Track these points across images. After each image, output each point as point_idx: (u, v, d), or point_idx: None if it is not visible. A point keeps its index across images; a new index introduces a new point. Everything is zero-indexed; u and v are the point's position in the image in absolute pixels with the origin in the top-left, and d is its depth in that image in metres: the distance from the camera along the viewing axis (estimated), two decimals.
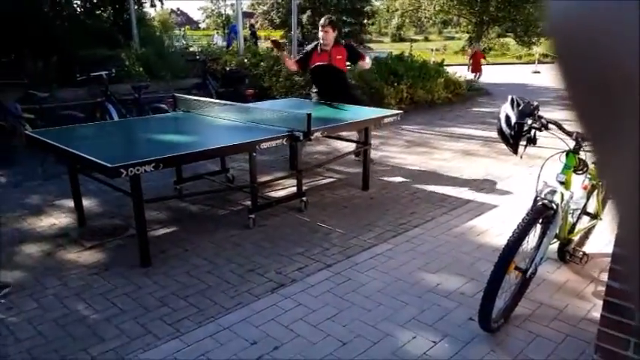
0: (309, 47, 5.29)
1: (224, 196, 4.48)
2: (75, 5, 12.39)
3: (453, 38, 37.36)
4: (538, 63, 19.29)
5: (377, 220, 3.93)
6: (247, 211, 3.83)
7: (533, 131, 2.56)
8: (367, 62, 5.30)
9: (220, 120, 4.35)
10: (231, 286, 2.92)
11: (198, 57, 8.60)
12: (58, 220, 3.99)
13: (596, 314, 2.11)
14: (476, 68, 12.89)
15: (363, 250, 3.37)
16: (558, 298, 2.75)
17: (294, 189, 4.18)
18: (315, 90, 5.41)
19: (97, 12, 14.32)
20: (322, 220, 3.94)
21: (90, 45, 9.70)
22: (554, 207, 2.46)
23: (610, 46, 0.24)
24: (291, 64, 5.29)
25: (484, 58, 14.38)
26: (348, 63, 5.31)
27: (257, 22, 28.91)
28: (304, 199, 4.11)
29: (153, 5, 14.01)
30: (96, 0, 14.92)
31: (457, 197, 4.45)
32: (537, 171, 2.58)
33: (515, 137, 2.59)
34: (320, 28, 5.06)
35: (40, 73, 7.28)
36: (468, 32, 30.60)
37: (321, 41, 5.06)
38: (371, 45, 31.30)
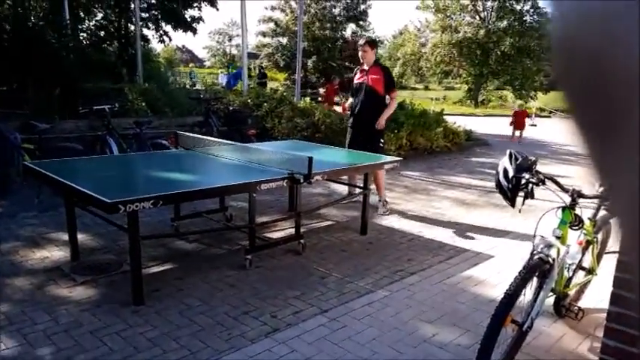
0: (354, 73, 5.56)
1: (221, 235, 4.45)
2: (81, 38, 12.66)
3: (452, 88, 38.29)
4: (535, 116, 19.68)
5: (374, 265, 3.90)
6: (244, 252, 3.80)
7: (530, 185, 2.59)
8: (394, 101, 5.25)
9: (222, 159, 4.38)
10: (225, 329, 2.86)
11: (201, 95, 8.74)
12: (51, 253, 3.94)
13: None
14: (519, 126, 12.74)
15: (360, 296, 3.32)
16: (554, 354, 2.70)
17: (293, 230, 4.16)
18: (349, 119, 5.48)
19: (103, 45, 14.64)
20: (320, 263, 3.90)
21: (94, 78, 9.87)
22: (551, 261, 2.46)
23: (611, 50, 0.24)
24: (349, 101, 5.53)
25: (528, 116, 14.21)
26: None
27: (262, 62, 29.57)
28: (302, 241, 4.08)
29: (162, 41, 14.34)
30: (103, 34, 15.29)
31: (454, 246, 4.44)
32: (534, 223, 2.59)
33: (513, 191, 2.62)
34: (359, 49, 5.23)
35: (42, 104, 7.36)
36: (467, 83, 31.38)
37: (361, 60, 5.24)
38: None
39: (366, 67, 5.20)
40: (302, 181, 3.73)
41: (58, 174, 3.42)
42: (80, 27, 12.32)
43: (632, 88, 0.23)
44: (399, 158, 4.95)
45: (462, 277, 3.74)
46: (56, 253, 3.92)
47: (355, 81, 5.33)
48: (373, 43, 5.26)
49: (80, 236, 3.98)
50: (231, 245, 4.24)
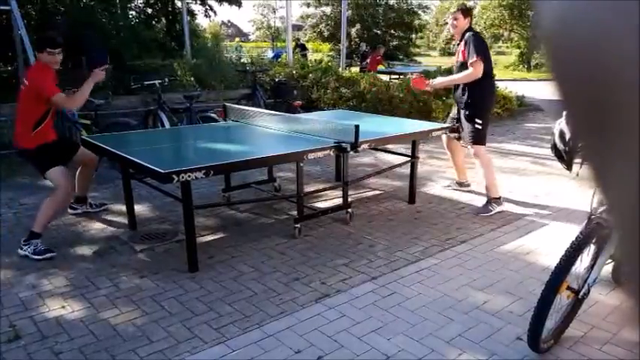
0: None
1: (270, 204, 4.53)
2: (131, 16, 12.96)
3: (503, 53, 36.59)
4: None
5: (423, 234, 3.86)
6: (293, 221, 3.85)
7: None
8: (469, 70, 4.21)
9: (269, 130, 4.42)
10: (276, 295, 2.93)
11: (248, 68, 8.79)
12: (110, 222, 4.14)
13: None
14: None
15: (409, 264, 3.31)
16: (612, 321, 2.61)
17: (340, 200, 4.17)
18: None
19: (152, 22, 14.91)
20: (367, 232, 3.91)
21: (144, 55, 10.12)
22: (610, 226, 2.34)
23: (609, 51, 0.23)
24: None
25: None
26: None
27: (306, 34, 29.28)
28: (350, 210, 4.09)
29: (207, 16, 14.46)
30: (151, 11, 15.57)
31: (506, 213, 4.31)
32: (590, 188, 2.46)
33: (570, 154, 2.50)
34: (450, 17, 4.45)
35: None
36: (519, 47, 29.94)
37: (451, 31, 4.49)
38: (419, 59, 31.09)
39: (457, 42, 4.45)
40: (349, 149, 3.71)
41: (116, 147, 3.57)
42: (128, 5, 12.58)
43: (625, 79, 0.22)
44: (448, 125, 4.81)
45: (514, 245, 3.64)
46: (115, 223, 4.13)
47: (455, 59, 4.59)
48: (467, 11, 4.38)
49: (137, 207, 4.16)
50: (280, 215, 4.31)
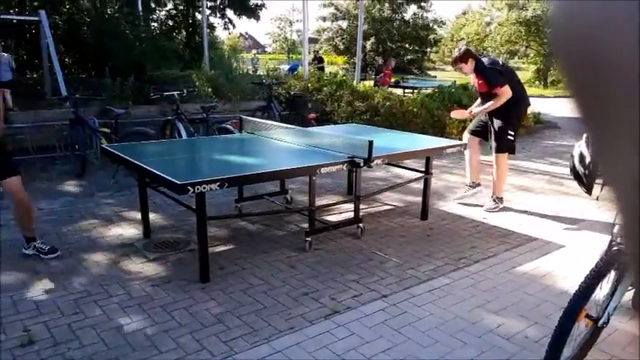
0: None
1: (282, 217, 4.53)
2: (152, 27, 13.22)
3: (519, 69, 36.45)
4: None
5: (436, 251, 3.83)
6: (304, 234, 3.85)
7: None
8: (497, 97, 4.62)
9: (283, 143, 4.44)
10: (286, 309, 2.92)
11: (264, 80, 8.87)
12: (124, 230, 4.18)
13: None
14: None
15: (421, 283, 3.28)
16: (632, 352, 2.54)
17: (351, 214, 4.16)
18: None
19: (172, 34, 15.21)
20: (379, 248, 3.89)
21: (163, 65, 10.29)
22: None
23: (609, 42, 0.25)
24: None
25: None
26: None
27: (321, 47, 29.52)
28: (361, 225, 4.08)
29: (226, 28, 14.67)
30: (172, 23, 15.89)
31: (521, 234, 4.26)
32: (610, 211, 2.42)
33: (590, 177, 2.46)
34: (455, 66, 4.87)
35: (117, 91, 7.77)
36: (535, 63, 29.79)
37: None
38: (434, 73, 31.10)
39: (473, 75, 4.86)
40: (362, 164, 3.70)
41: (133, 156, 3.62)
42: (151, 17, 12.84)
43: (628, 72, 0.24)
44: (463, 142, 4.79)
45: (530, 266, 3.59)
46: (129, 231, 4.16)
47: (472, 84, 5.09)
48: (464, 58, 4.71)
49: (151, 215, 4.19)
50: (291, 227, 4.31)
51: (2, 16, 11.41)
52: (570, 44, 0.27)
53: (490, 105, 4.71)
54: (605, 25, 0.25)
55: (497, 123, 4.75)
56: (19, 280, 3.24)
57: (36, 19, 9.20)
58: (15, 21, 11.83)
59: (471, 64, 4.68)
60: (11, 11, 13.00)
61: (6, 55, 9.01)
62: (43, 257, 3.56)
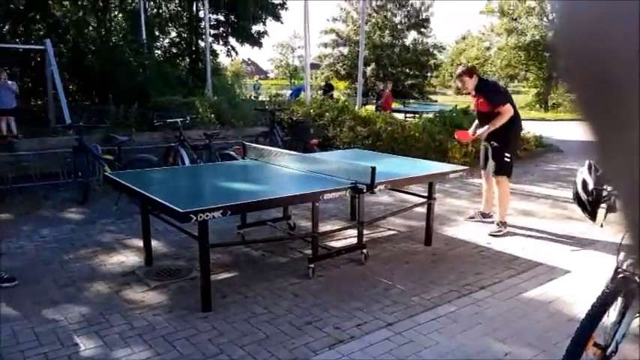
0: None
1: (285, 243, 4.51)
2: (156, 55, 13.44)
3: (519, 92, 36.80)
4: None
5: (440, 278, 3.79)
6: (307, 260, 3.82)
7: (613, 198, 2.41)
8: (500, 115, 4.72)
9: (286, 169, 4.45)
10: (289, 339, 2.88)
11: (267, 106, 8.95)
12: (126, 257, 4.16)
13: None
14: None
15: (426, 310, 3.24)
16: None
17: (355, 240, 4.14)
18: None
19: (176, 61, 15.45)
20: (383, 274, 3.85)
21: (167, 92, 10.42)
22: (638, 280, 2.27)
23: (611, 41, 0.26)
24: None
25: None
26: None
27: (323, 72, 29.89)
28: (365, 251, 4.05)
29: (229, 55, 14.90)
30: (176, 51, 16.14)
31: (526, 259, 4.22)
32: (615, 237, 2.40)
33: (593, 204, 2.45)
34: (457, 80, 5.01)
35: (121, 118, 7.85)
36: (536, 87, 30.06)
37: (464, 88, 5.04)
38: (435, 97, 31.38)
39: (473, 93, 4.95)
40: (365, 190, 3.70)
41: (136, 184, 3.62)
42: (155, 45, 13.07)
43: (630, 69, 0.26)
44: (465, 167, 4.79)
45: (536, 293, 3.54)
46: (131, 258, 4.14)
47: (472, 107, 5.22)
48: (469, 72, 4.88)
49: (153, 242, 4.18)
50: (294, 253, 4.28)
51: (9, 45, 11.65)
52: (573, 40, 0.29)
53: (492, 124, 4.77)
54: (607, 23, 0.26)
55: (494, 144, 4.85)
56: (20, 310, 3.20)
57: (41, 47, 9.39)
58: (21, 50, 12.09)
59: (474, 80, 4.84)
60: (17, 40, 13.28)
61: (10, 82, 9.16)
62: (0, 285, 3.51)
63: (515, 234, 4.93)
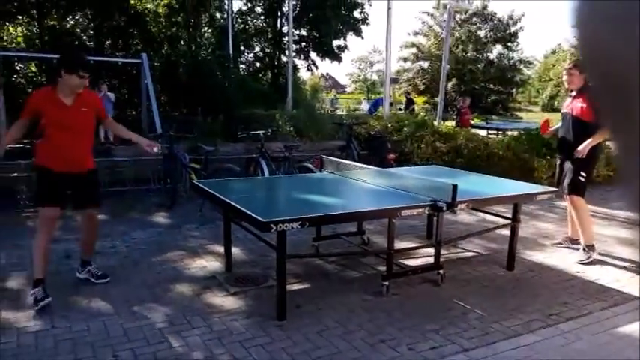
0: None
1: (358, 258, 4.50)
2: (241, 69, 14.08)
3: None
4: None
5: (522, 305, 3.59)
6: (381, 277, 3.78)
7: None
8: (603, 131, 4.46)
9: (363, 183, 4.45)
10: (361, 355, 2.85)
11: (344, 121, 9.03)
12: (208, 262, 4.35)
13: None
14: None
15: (506, 338, 3.08)
16: None
17: (431, 259, 4.03)
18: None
19: (259, 75, 16.07)
20: (460, 297, 3.72)
21: (250, 105, 10.86)
22: None
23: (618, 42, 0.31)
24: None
25: None
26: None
27: (401, 87, 29.70)
28: (441, 271, 3.94)
29: (309, 70, 15.28)
30: (259, 65, 16.79)
31: (620, 291, 3.89)
32: None
33: None
34: (565, 72, 4.66)
35: (207, 129, 8.28)
36: None
37: (567, 86, 4.71)
38: (520, 114, 30.00)
39: (573, 94, 4.59)
40: (445, 209, 3.61)
41: (220, 192, 3.80)
42: (239, 59, 13.70)
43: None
44: (555, 190, 4.52)
45: (629, 329, 3.25)
46: (212, 263, 4.32)
47: (563, 108, 4.76)
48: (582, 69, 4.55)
49: (232, 249, 4.34)
50: (367, 269, 4.25)
51: (109, 59, 12.75)
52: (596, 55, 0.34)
53: (595, 138, 4.35)
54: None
55: (576, 160, 4.48)
56: (112, 306, 3.45)
57: (138, 61, 10.16)
58: (120, 63, 13.17)
59: (581, 78, 4.42)
60: (117, 54, 14.48)
61: (110, 93, 10.02)
62: (95, 282, 3.78)
63: (608, 263, 4.56)
